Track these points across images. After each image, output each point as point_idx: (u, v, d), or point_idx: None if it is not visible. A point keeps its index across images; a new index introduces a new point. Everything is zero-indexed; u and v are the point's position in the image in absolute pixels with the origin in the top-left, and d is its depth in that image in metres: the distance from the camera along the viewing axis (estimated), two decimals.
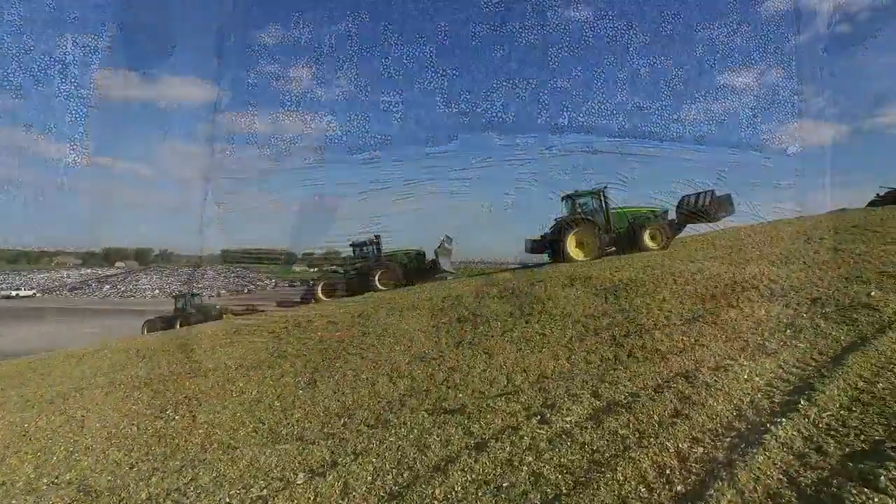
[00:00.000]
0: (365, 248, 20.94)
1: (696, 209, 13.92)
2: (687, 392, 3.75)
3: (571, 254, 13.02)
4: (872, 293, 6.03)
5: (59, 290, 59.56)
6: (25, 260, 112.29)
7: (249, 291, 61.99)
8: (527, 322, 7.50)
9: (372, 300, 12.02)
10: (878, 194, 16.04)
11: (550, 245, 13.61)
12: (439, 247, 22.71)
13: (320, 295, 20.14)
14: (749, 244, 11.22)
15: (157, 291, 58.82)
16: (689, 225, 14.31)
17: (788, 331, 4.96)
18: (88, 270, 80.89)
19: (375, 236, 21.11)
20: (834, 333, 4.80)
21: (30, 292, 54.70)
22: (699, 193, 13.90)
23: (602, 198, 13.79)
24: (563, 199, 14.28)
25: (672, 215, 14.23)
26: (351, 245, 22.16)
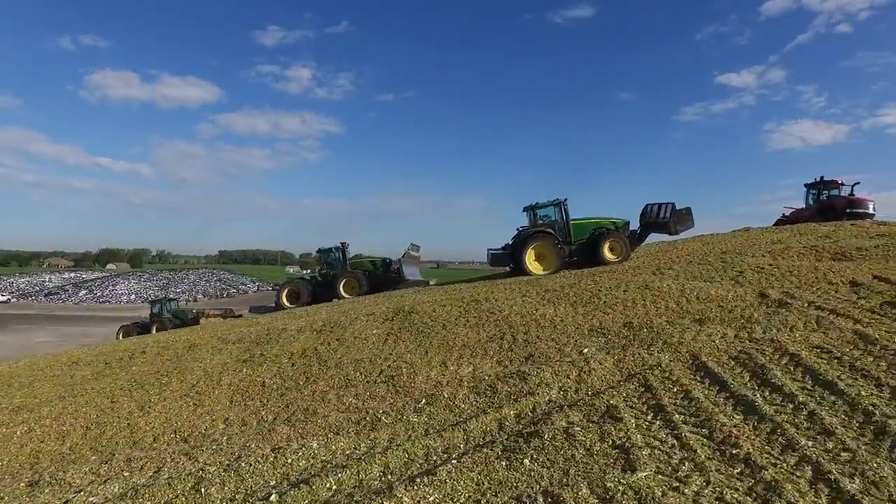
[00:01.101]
0: (331, 254, 21.32)
1: (657, 221, 13.99)
2: (206, 476, 3.81)
3: (531, 267, 13.17)
4: (585, 350, 5.98)
5: (36, 296, 61.27)
6: (17, 262, 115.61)
7: (228, 295, 63.00)
8: (293, 365, 7.59)
9: (210, 328, 12.21)
10: (783, 214, 15.88)
11: (511, 257, 13.73)
12: (404, 255, 23.09)
13: (285, 302, 20.56)
14: (602, 271, 11.14)
15: (133, 296, 60.13)
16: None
17: (424, 401, 4.96)
18: (72, 275, 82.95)
19: (341, 243, 21.49)
20: (462, 407, 4.79)
21: (3, 298, 56.36)
22: (661, 205, 14.05)
23: (562, 209, 13.96)
24: (524, 210, 14.52)
25: (635, 226, 14.47)
26: (318, 252, 22.65)
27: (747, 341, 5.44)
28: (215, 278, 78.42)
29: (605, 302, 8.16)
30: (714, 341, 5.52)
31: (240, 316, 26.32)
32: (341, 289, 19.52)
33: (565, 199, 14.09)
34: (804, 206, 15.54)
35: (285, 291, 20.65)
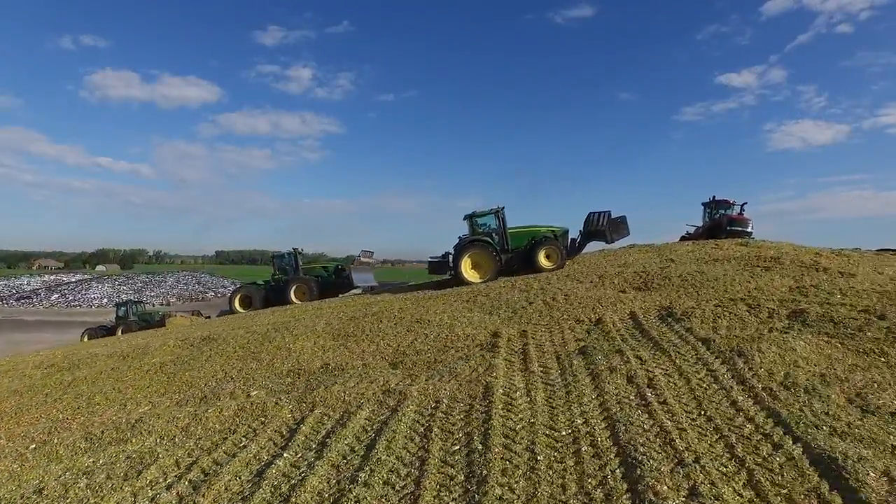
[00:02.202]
0: (283, 260, 22.14)
1: (595, 229, 14.34)
2: None
3: (467, 276, 13.68)
4: (254, 393, 6.31)
5: (7, 300, 63.73)
6: (7, 263, 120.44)
7: (204, 298, 64.66)
8: (45, 397, 8.10)
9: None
10: (687, 231, 16.35)
11: (451, 265, 14.30)
12: (355, 260, 23.83)
13: (237, 307, 21.41)
14: (435, 296, 11.42)
15: (105, 300, 62.10)
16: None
17: (34, 446, 5.38)
18: (52, 277, 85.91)
19: (294, 249, 22.30)
20: (61, 453, 5.18)
21: None
22: (599, 213, 14.54)
23: (500, 217, 14.52)
24: (464, 218, 15.08)
25: (576, 234, 14.87)
26: (271, 256, 23.56)
27: (381, 393, 5.69)
28: (194, 281, 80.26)
29: (365, 336, 8.47)
30: (350, 391, 5.78)
31: (208, 317, 27.31)
32: (292, 294, 20.23)
33: (503, 208, 14.64)
34: (702, 223, 16.22)
35: (238, 297, 21.47)
